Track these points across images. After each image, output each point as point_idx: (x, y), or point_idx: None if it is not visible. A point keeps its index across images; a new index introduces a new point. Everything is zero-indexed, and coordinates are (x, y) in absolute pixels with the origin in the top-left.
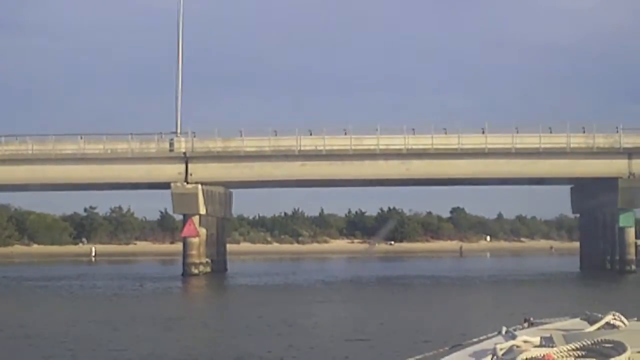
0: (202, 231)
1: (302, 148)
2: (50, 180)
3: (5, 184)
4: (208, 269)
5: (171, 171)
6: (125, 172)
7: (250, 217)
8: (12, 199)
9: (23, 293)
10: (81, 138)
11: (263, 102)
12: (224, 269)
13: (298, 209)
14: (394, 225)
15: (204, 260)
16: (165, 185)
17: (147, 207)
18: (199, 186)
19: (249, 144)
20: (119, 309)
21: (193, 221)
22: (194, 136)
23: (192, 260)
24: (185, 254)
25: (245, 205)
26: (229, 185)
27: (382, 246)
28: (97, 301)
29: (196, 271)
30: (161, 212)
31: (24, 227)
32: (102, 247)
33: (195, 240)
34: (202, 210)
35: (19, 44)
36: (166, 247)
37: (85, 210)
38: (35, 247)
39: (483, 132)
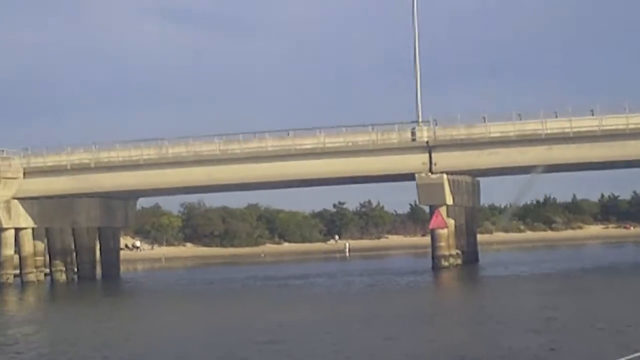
0: (451, 222)
1: (548, 131)
2: (291, 177)
3: (248, 183)
4: (458, 261)
5: (415, 161)
6: (367, 165)
7: (502, 206)
8: (259, 198)
9: (274, 292)
10: (320, 132)
11: (504, 86)
12: (475, 260)
13: (550, 196)
14: None
15: (453, 252)
16: (410, 177)
17: (397, 200)
18: (444, 176)
19: (494, 130)
20: (377, 305)
21: (440, 212)
22: (436, 124)
23: (442, 253)
24: (434, 246)
25: (495, 194)
26: (474, 173)
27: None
28: (352, 298)
29: (446, 263)
30: (411, 205)
31: (274, 225)
32: (353, 242)
33: (444, 231)
34: (449, 201)
35: (251, 43)
36: (417, 239)
37: (335, 206)
38: (286, 246)
39: None
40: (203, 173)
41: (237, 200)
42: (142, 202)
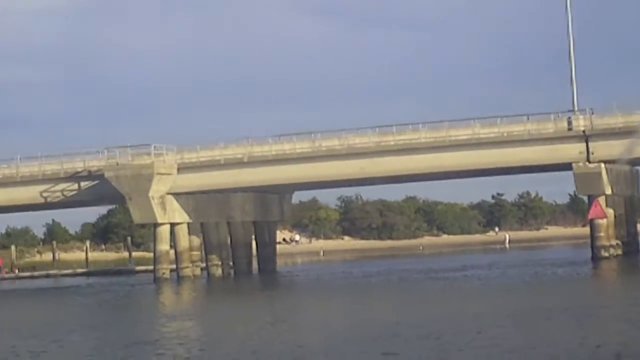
0: (610, 212)
1: None
2: (445, 168)
3: (402, 175)
4: (619, 252)
5: (571, 151)
6: (523, 155)
7: None
8: (417, 190)
9: (431, 285)
10: (475, 122)
11: None
12: (636, 250)
13: None
14: None
15: (613, 242)
16: (566, 166)
17: (556, 190)
18: (602, 165)
19: None
20: (533, 297)
21: (599, 202)
22: (592, 113)
23: (602, 243)
24: (593, 236)
25: None
26: (633, 163)
27: None
28: (508, 290)
29: (606, 254)
30: (570, 195)
31: (432, 217)
32: (512, 234)
33: (603, 221)
34: (608, 190)
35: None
36: (577, 230)
37: (493, 197)
38: (444, 237)
39: None
40: (357, 166)
41: (394, 193)
42: (299, 196)
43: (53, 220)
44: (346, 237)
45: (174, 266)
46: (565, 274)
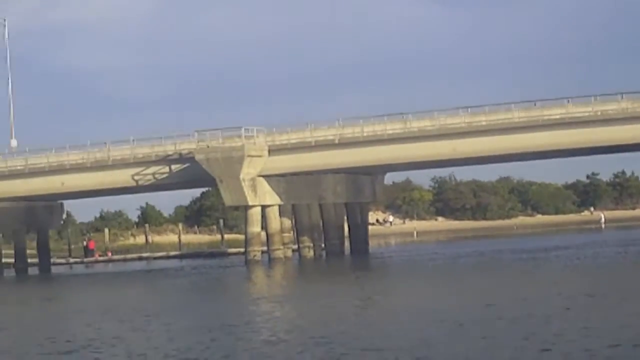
0: None
1: None
2: (538, 148)
3: (495, 155)
4: None
5: None
6: (617, 134)
7: None
8: (511, 170)
9: (520, 265)
10: (568, 101)
11: None
12: None
13: None
14: None
15: None
16: None
17: None
18: None
19: None
20: (607, 281)
21: None
22: None
23: None
24: None
25: None
26: None
27: None
28: (590, 272)
29: None
30: None
31: (526, 197)
32: (608, 213)
33: None
34: None
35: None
36: None
37: (588, 177)
38: (539, 217)
39: None
40: (448, 146)
41: (488, 174)
42: (393, 177)
43: (147, 203)
44: (440, 218)
45: (265, 248)
46: None
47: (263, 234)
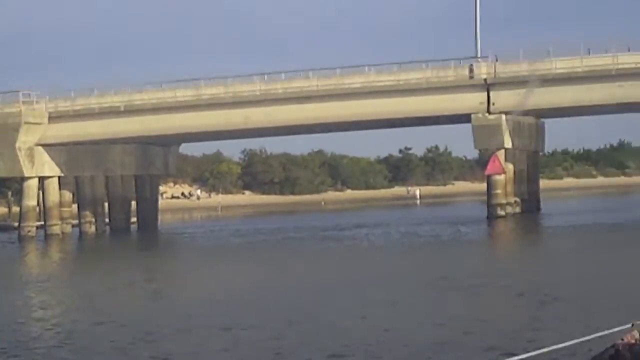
0: (509, 167)
1: (620, 67)
2: (337, 119)
3: (291, 125)
4: (517, 210)
5: (471, 101)
6: (420, 105)
7: (575, 151)
8: (324, 143)
9: (311, 245)
10: (370, 70)
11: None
12: (536, 208)
13: (624, 140)
14: None
15: (511, 199)
16: (467, 118)
17: (466, 145)
18: (503, 116)
19: (560, 66)
20: (389, 263)
21: (498, 157)
22: (496, 60)
23: (498, 201)
24: (489, 193)
25: (566, 137)
26: (538, 114)
27: None
28: (376, 252)
29: (502, 212)
30: (480, 150)
31: (337, 172)
32: (422, 189)
33: (501, 178)
34: (508, 144)
35: None
36: (485, 186)
37: (400, 151)
38: (349, 193)
39: None
40: (241, 115)
41: (300, 147)
42: (203, 149)
43: None
44: (247, 192)
45: (41, 223)
46: (452, 234)
47: (40, 208)
